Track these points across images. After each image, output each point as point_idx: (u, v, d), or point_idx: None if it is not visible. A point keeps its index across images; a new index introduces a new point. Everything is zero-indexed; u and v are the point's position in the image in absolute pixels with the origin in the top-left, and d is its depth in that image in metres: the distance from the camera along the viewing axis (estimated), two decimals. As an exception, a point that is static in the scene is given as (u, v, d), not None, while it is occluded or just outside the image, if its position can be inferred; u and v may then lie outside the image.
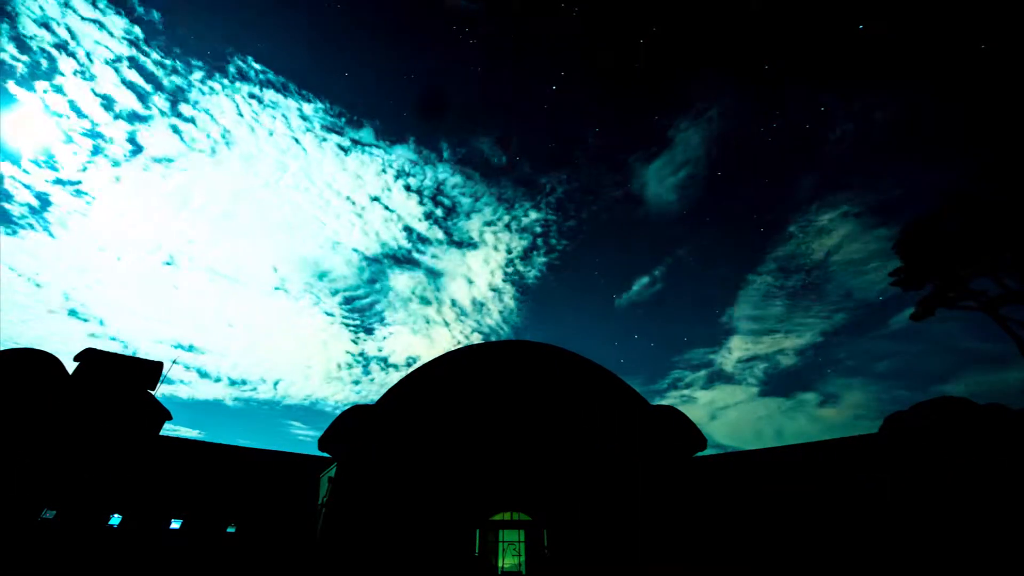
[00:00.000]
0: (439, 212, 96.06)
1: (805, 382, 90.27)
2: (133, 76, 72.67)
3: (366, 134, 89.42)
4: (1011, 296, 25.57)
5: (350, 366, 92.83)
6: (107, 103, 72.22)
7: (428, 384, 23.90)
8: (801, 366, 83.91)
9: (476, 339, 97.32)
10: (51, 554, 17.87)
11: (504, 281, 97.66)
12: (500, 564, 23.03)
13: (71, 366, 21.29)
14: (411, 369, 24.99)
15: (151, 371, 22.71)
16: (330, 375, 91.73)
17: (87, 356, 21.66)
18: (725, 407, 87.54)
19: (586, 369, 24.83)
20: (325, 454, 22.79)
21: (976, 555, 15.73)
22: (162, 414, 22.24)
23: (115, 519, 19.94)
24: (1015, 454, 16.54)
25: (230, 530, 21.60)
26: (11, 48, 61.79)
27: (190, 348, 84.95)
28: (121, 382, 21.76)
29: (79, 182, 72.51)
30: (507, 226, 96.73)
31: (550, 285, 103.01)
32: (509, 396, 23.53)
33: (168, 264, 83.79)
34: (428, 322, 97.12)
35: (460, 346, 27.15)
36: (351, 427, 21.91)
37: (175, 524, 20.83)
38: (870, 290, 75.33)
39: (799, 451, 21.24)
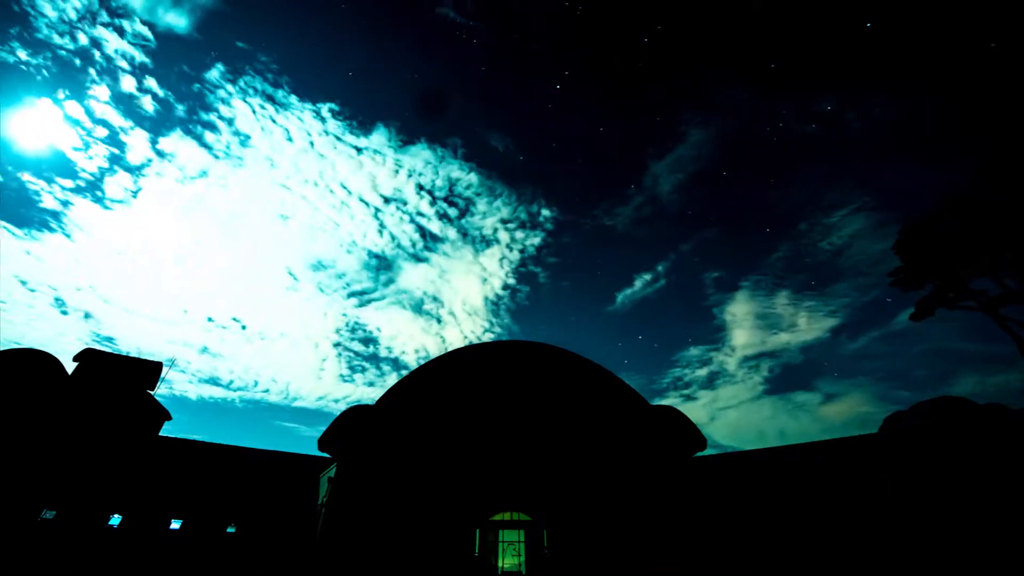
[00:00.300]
0: (452, 212, 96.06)
1: (806, 382, 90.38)
2: (150, 82, 73.75)
3: (378, 135, 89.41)
4: (1011, 296, 25.57)
5: (363, 368, 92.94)
6: (125, 109, 73.16)
7: (428, 384, 23.90)
8: (803, 365, 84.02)
9: (487, 339, 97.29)
10: (51, 554, 17.87)
11: (515, 280, 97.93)
12: (500, 564, 23.03)
13: (71, 366, 21.31)
14: (411, 369, 25.03)
15: (151, 371, 22.71)
16: (342, 377, 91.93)
17: (86, 356, 21.65)
18: (726, 407, 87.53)
19: (586, 369, 24.83)
20: (325, 454, 22.79)
21: (976, 555, 15.74)
22: (162, 414, 22.23)
23: (115, 519, 19.93)
24: (1015, 454, 16.54)
25: (230, 530, 21.60)
26: (22, 54, 62.13)
27: (203, 350, 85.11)
28: (121, 382, 21.76)
29: (98, 187, 73.15)
30: (522, 224, 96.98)
31: (552, 284, 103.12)
32: (509, 396, 23.53)
33: (181, 265, 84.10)
34: (440, 322, 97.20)
35: (460, 346, 27.17)
36: (351, 427, 21.91)
37: (175, 524, 20.83)
38: (872, 290, 75.47)
39: (799, 451, 21.24)
